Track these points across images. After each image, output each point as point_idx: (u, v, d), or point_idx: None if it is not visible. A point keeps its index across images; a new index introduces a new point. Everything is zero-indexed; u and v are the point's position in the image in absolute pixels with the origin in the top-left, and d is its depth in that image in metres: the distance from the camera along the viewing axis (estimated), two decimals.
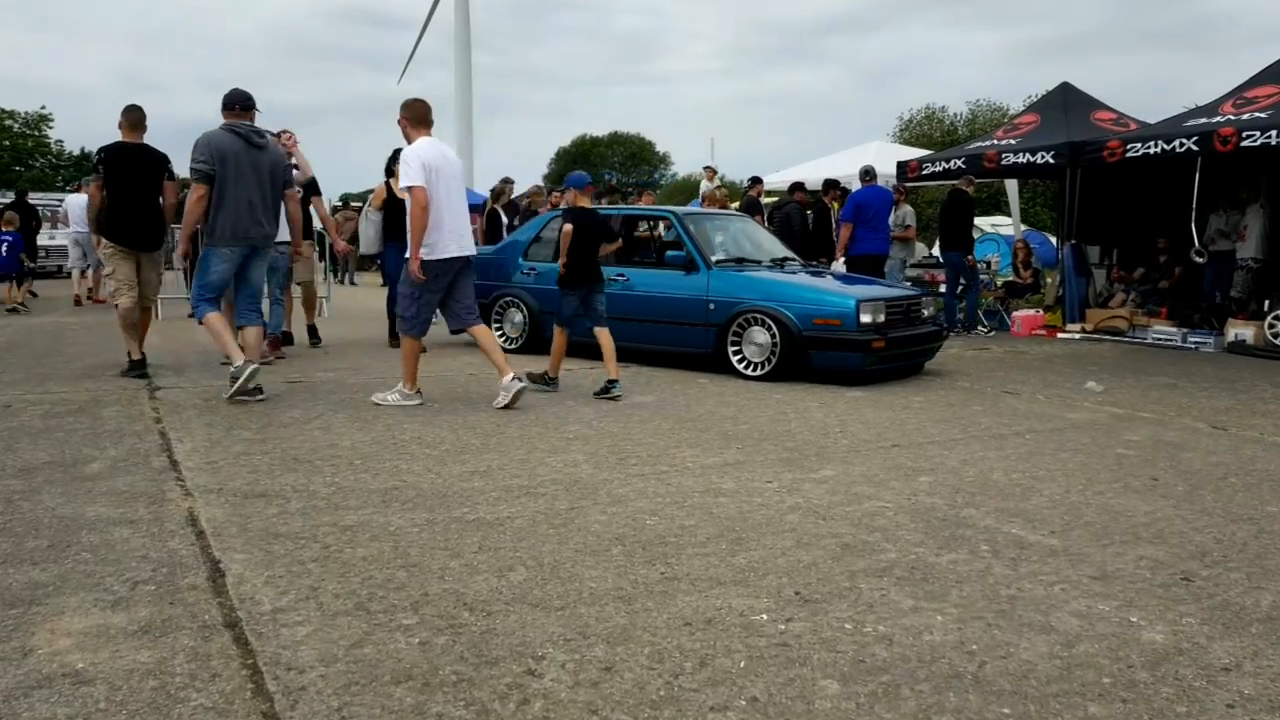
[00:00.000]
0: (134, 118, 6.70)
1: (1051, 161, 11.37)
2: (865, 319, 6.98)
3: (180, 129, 7.10)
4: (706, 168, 14.00)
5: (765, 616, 2.72)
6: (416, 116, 5.83)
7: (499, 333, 8.66)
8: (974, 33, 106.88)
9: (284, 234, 7.17)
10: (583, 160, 60.18)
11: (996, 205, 31.07)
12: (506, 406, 5.82)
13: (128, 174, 6.59)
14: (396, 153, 8.16)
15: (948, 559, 3.24)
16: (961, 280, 11.35)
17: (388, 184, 8.22)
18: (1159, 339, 10.33)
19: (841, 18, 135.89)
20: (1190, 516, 3.83)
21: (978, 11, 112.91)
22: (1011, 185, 16.63)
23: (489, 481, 4.17)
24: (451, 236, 5.77)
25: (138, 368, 6.81)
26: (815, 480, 4.29)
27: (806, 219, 11.43)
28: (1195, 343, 9.98)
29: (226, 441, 4.89)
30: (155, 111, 6.94)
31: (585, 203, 6.64)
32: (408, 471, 4.33)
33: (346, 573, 3.02)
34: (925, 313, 7.77)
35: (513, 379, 5.86)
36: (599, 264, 6.64)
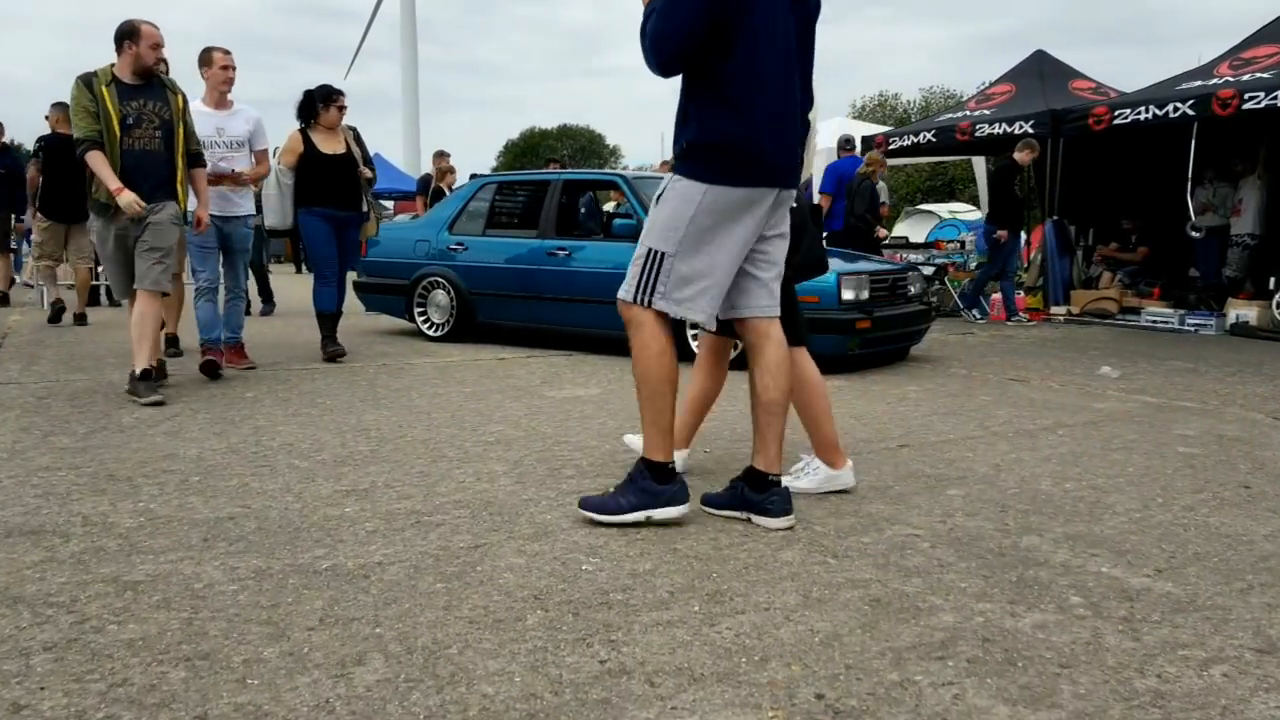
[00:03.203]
0: (66, 112, 7.31)
1: (1031, 132, 10.43)
2: (847, 295, 5.94)
3: None
4: None
5: None
6: None
7: (422, 317, 7.46)
8: (923, 29, 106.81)
9: (247, 207, 5.88)
10: (531, 153, 58.79)
11: (951, 192, 30.36)
12: None
13: (63, 160, 7.28)
14: (310, 94, 6.59)
15: (1031, 622, 2.17)
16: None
17: (304, 132, 6.29)
18: (1155, 321, 9.45)
19: None
20: None
21: (927, 6, 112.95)
22: (979, 163, 15.75)
23: (366, 505, 3.02)
24: None
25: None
26: (812, 496, 3.21)
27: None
28: (1194, 325, 9.11)
29: (34, 452, 3.69)
30: None
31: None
32: (259, 492, 3.16)
33: (89, 673, 1.86)
34: (912, 289, 6.75)
35: None
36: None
